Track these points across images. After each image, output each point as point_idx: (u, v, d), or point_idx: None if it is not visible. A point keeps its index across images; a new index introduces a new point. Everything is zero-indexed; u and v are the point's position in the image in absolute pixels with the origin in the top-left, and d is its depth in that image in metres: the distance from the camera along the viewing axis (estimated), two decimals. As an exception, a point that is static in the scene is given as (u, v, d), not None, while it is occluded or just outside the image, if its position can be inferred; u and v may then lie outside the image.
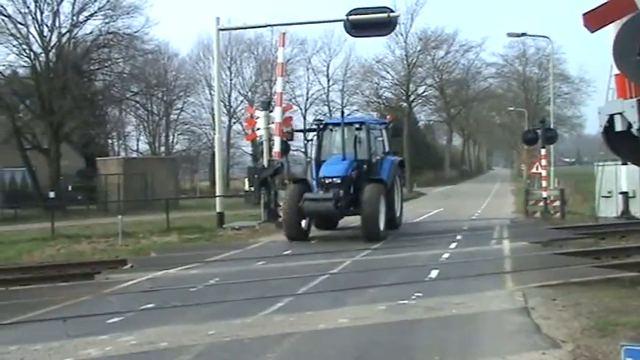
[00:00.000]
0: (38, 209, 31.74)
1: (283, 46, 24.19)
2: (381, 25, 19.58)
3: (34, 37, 36.13)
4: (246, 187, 22.64)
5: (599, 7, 6.43)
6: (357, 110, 57.42)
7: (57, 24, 36.43)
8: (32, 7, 35.68)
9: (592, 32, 6.41)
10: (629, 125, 6.24)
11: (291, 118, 23.66)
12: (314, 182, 17.07)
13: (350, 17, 19.46)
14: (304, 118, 55.56)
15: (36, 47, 36.17)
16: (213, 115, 51.21)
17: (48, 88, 35.55)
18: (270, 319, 8.08)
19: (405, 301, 8.81)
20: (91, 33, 37.89)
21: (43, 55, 36.31)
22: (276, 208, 20.90)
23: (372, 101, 58.70)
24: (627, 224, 18.64)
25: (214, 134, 31.97)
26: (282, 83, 23.98)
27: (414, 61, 55.57)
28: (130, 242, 18.34)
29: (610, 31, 6.55)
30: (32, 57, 36.16)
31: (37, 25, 35.97)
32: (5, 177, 35.04)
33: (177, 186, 41.40)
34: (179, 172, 47.63)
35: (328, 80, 62.94)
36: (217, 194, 23.61)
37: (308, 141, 18.91)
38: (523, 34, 36.95)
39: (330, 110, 59.12)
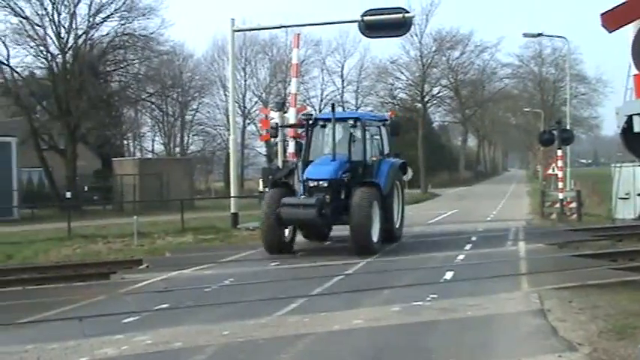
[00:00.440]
0: (55, 209, 32.04)
1: (298, 47, 24.17)
2: (395, 25, 19.49)
3: (51, 38, 36.64)
4: (261, 188, 22.64)
5: (617, 6, 6.35)
6: (371, 112, 57.31)
7: (74, 25, 36.88)
8: (49, 8, 36.17)
9: (610, 32, 6.33)
10: (649, 126, 6.16)
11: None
12: (301, 186, 14.82)
13: (365, 18, 19.41)
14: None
15: (53, 49, 36.68)
16: (227, 116, 51.40)
17: (65, 89, 35.92)
18: (284, 320, 8.08)
19: (420, 303, 8.77)
20: (107, 34, 38.36)
21: (60, 56, 36.70)
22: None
23: (387, 102, 58.55)
24: (645, 226, 18.42)
25: (229, 135, 32.05)
26: (297, 84, 23.98)
27: (428, 61, 55.38)
28: (146, 242, 18.45)
29: (629, 31, 6.48)
30: (49, 58, 36.63)
31: (54, 27, 36.43)
32: (23, 177, 35.39)
33: (192, 186, 41.58)
34: (194, 172, 47.86)
35: (343, 81, 63.03)
36: (232, 195, 23.68)
37: (289, 139, 17.05)
38: (539, 35, 36.65)
39: (344, 111, 59.05)
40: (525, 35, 38.28)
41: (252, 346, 6.99)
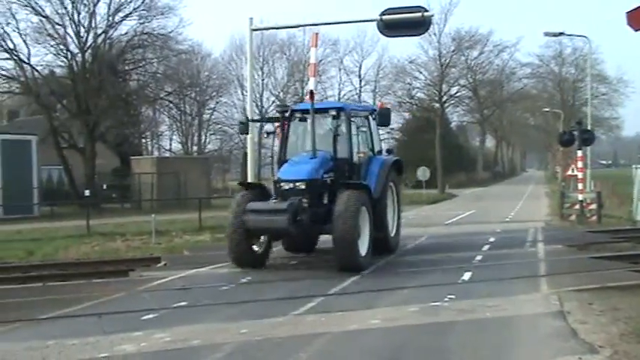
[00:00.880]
0: (74, 207, 32.33)
1: (316, 46, 24.16)
2: (414, 24, 19.31)
3: (71, 37, 36.98)
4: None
5: (643, 5, 6.27)
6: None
7: (93, 25, 37.18)
8: (69, 8, 36.52)
9: (636, 31, 6.25)
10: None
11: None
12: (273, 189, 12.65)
13: (383, 17, 19.28)
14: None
15: (73, 47, 37.04)
16: (245, 116, 51.47)
17: (84, 88, 36.26)
18: (301, 319, 8.08)
19: (438, 303, 8.73)
20: (126, 34, 38.64)
21: (79, 55, 37.04)
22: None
23: (405, 102, 58.39)
24: (666, 228, 18.22)
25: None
26: (314, 84, 23.99)
27: (447, 61, 55.07)
28: (163, 240, 18.58)
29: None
30: (69, 57, 36.98)
31: (74, 26, 36.77)
32: (43, 175, 35.76)
33: (209, 185, 41.73)
34: (211, 171, 48.03)
35: (360, 81, 62.99)
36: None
37: (268, 134, 14.79)
38: (560, 34, 36.24)
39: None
40: (546, 34, 37.78)
41: (270, 344, 7.00)
